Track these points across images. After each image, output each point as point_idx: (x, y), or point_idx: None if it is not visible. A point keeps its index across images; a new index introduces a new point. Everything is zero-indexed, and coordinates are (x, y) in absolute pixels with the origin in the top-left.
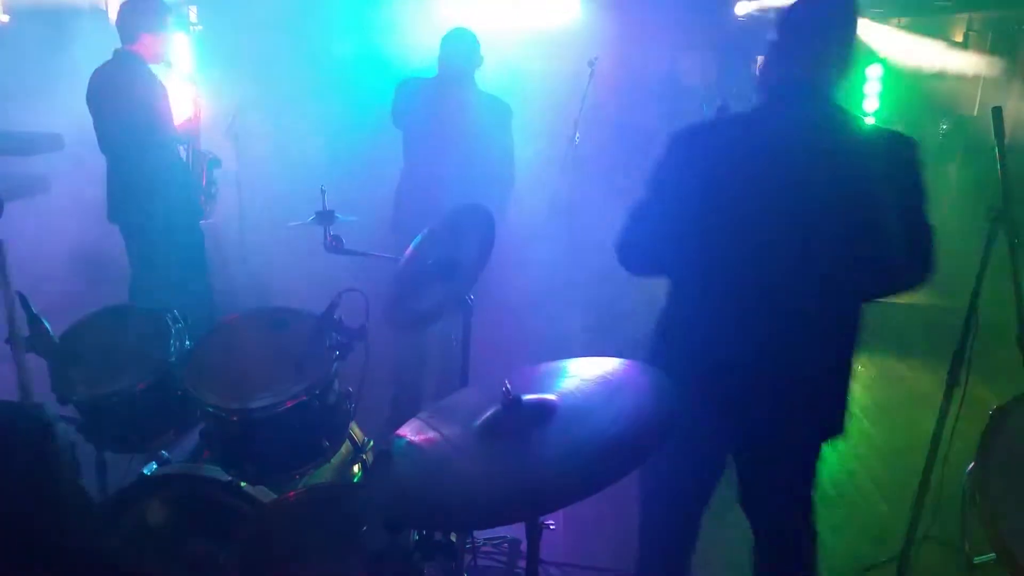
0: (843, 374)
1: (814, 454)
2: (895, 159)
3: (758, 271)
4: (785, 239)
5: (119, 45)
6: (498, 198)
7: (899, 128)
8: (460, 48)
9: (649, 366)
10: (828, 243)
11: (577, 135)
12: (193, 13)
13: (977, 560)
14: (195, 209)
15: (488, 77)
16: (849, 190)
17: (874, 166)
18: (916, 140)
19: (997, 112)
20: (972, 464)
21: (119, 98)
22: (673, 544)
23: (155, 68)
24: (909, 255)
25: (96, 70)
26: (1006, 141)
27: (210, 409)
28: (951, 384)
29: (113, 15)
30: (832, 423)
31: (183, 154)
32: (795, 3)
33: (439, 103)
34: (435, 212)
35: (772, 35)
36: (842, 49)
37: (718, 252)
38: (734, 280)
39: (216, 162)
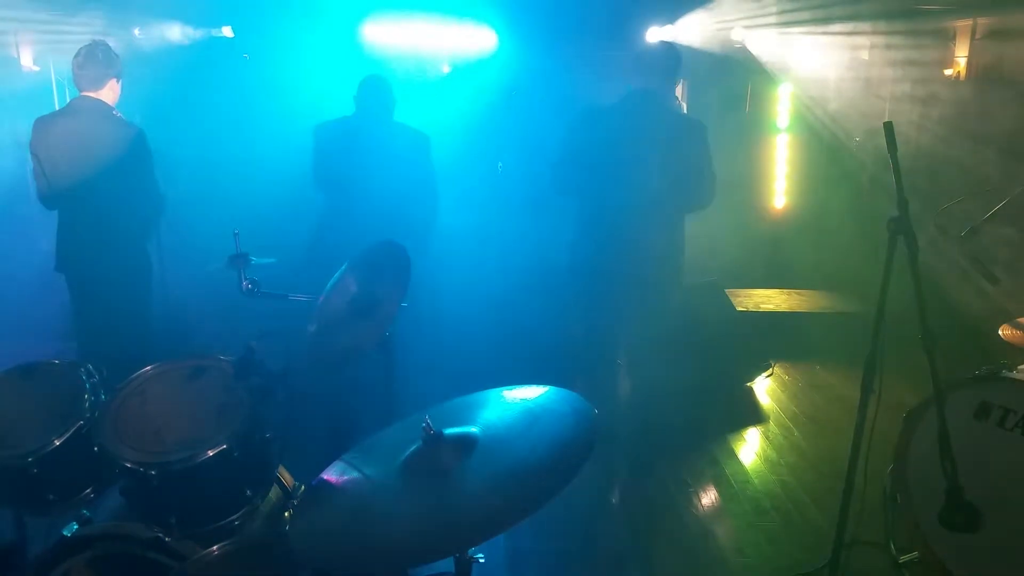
0: (676, 259)
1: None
2: (694, 133)
3: (625, 195)
4: (635, 174)
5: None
6: (421, 225)
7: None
8: (376, 90)
9: (566, 391)
10: (660, 179)
11: (500, 164)
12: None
13: (903, 559)
14: (148, 261)
15: (407, 110)
16: (670, 149)
17: (680, 136)
18: (704, 123)
19: (889, 127)
20: (891, 466)
21: (100, 147)
22: None
23: None
24: (701, 185)
25: (50, 119)
26: (900, 152)
27: (127, 465)
28: (865, 390)
29: (27, 62)
30: (671, 281)
31: None
32: (643, 48)
33: (357, 139)
34: (357, 242)
35: (630, 64)
36: (669, 74)
37: (603, 184)
38: (611, 203)
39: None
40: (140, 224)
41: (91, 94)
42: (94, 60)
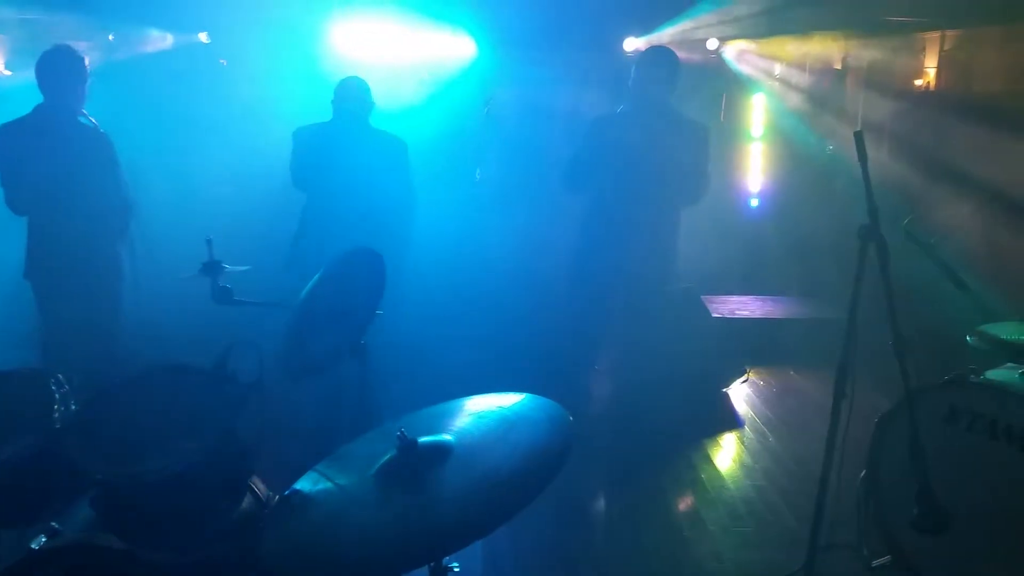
0: (672, 248)
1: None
2: (695, 135)
3: (630, 193)
4: (643, 175)
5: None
6: (398, 230)
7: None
8: (353, 93)
9: (542, 398)
10: (662, 177)
11: (478, 172)
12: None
13: (875, 563)
14: (116, 261)
15: (385, 118)
16: (674, 151)
17: (685, 139)
18: (707, 125)
19: (859, 136)
20: (864, 470)
21: (65, 153)
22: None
23: None
24: (697, 182)
25: (13, 126)
26: (871, 161)
27: (98, 476)
28: (838, 395)
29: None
30: (668, 269)
31: None
32: (644, 54)
33: (335, 145)
34: (334, 247)
35: (633, 70)
36: (672, 77)
37: (612, 184)
38: (619, 200)
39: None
40: (108, 230)
41: (56, 99)
42: (58, 65)
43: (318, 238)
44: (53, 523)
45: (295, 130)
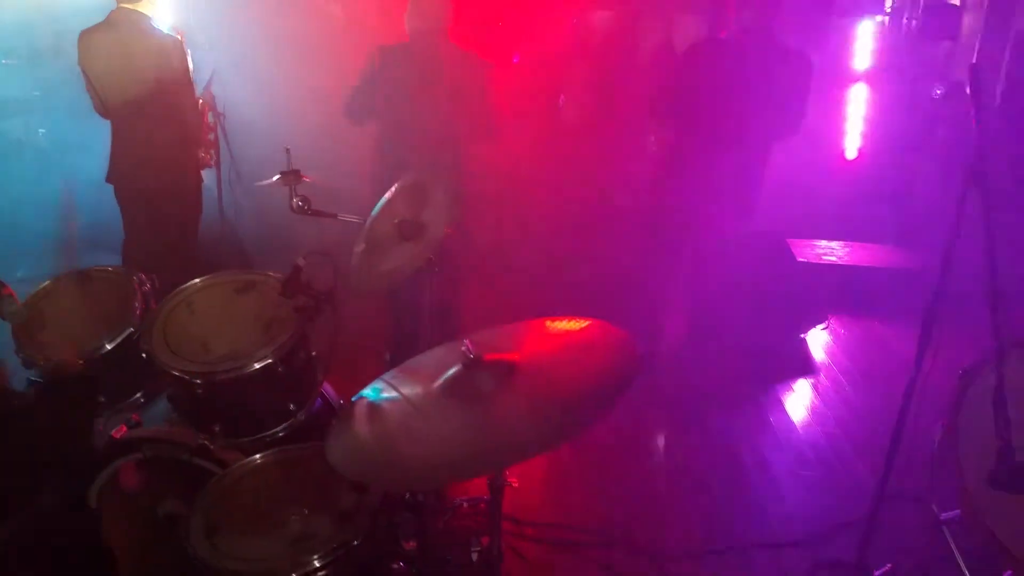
0: (757, 184)
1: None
2: (798, 67)
3: (719, 124)
4: (736, 106)
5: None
6: (469, 151)
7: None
8: (428, 9)
9: (611, 325)
10: (755, 109)
11: (562, 98)
12: None
13: (944, 515)
14: (196, 168)
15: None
16: (770, 82)
17: (785, 70)
18: (811, 58)
19: (974, 70)
20: (941, 422)
21: (142, 60)
22: None
23: None
24: (792, 117)
25: (92, 32)
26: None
27: (174, 373)
28: (922, 344)
29: None
30: (751, 206)
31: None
32: None
33: (412, 63)
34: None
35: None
36: (776, 8)
37: (701, 114)
38: (706, 130)
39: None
40: (185, 135)
41: (128, 6)
42: None
43: (396, 157)
44: (133, 415)
45: (377, 48)
